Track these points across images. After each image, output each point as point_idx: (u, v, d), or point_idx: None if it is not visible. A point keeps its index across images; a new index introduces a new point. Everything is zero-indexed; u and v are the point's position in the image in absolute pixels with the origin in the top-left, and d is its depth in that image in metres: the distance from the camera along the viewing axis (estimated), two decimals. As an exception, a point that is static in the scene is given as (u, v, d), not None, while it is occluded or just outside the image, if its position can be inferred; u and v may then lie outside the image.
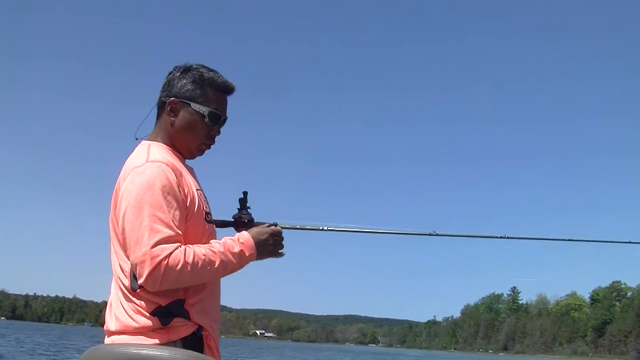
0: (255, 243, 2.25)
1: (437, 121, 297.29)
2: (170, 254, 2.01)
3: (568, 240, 3.01)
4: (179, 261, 2.01)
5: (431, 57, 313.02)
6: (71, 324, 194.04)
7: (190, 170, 2.37)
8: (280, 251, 2.36)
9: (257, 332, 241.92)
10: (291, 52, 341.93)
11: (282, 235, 2.37)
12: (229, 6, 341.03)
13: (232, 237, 2.24)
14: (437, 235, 2.66)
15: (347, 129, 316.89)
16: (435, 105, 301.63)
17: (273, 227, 2.36)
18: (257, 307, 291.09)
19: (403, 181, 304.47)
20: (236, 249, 2.19)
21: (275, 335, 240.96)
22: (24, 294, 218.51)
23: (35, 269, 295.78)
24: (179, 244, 2.06)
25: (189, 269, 2.03)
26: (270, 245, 2.31)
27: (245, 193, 2.49)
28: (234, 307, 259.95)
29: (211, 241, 2.20)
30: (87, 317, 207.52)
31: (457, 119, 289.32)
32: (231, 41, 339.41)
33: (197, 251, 2.08)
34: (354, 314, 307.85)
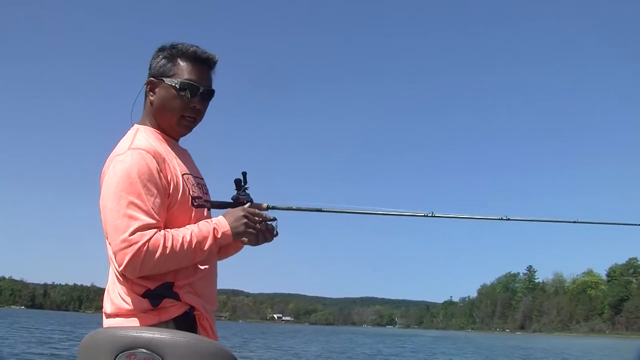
0: (229, 222, 2.23)
1: (435, 109, 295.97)
2: (149, 239, 2.02)
3: (573, 222, 2.90)
4: (158, 246, 2.03)
5: (427, 47, 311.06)
6: (90, 311, 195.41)
7: (183, 152, 2.37)
8: (250, 230, 2.29)
9: (275, 316, 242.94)
10: (291, 46, 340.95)
11: (258, 216, 2.33)
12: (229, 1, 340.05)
13: (206, 220, 2.25)
14: (434, 216, 2.58)
15: (347, 117, 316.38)
16: (432, 93, 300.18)
17: (247, 207, 2.34)
18: (274, 291, 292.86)
19: (408, 168, 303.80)
20: (210, 228, 2.18)
21: (292, 319, 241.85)
22: (42, 283, 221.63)
23: (53, 258, 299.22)
24: (157, 230, 2.07)
25: (167, 252, 2.05)
26: (242, 225, 2.26)
27: (244, 174, 2.49)
28: (251, 292, 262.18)
29: (187, 226, 2.19)
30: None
31: (453, 106, 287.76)
32: (231, 35, 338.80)
33: (175, 234, 2.09)
34: (370, 296, 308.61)
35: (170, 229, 2.14)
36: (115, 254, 2.05)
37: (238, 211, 2.29)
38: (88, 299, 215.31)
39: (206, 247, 2.16)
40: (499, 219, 2.72)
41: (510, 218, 2.74)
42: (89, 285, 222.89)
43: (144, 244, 2.01)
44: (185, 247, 2.10)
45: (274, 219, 2.42)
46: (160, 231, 2.07)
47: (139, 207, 2.06)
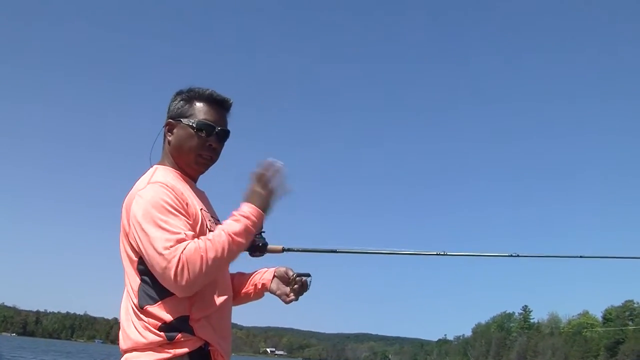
0: (250, 200, 2.25)
1: (437, 140, 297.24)
2: (184, 250, 2.06)
3: (579, 257, 3.11)
4: (194, 254, 2.06)
5: (428, 76, 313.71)
6: (82, 340, 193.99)
7: (201, 194, 2.45)
8: (273, 186, 2.29)
9: (268, 350, 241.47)
10: (291, 71, 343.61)
11: (270, 171, 2.30)
12: (221, 22, 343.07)
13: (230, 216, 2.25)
14: (446, 255, 2.69)
15: (349, 149, 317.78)
16: (436, 124, 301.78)
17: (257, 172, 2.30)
18: (267, 325, 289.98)
19: (408, 202, 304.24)
20: (241, 213, 2.21)
21: (285, 354, 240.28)
22: (34, 310, 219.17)
23: (46, 285, 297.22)
24: (189, 241, 2.11)
25: (207, 255, 2.08)
26: (264, 191, 2.27)
27: None
28: (244, 325, 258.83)
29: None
30: (97, 334, 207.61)
31: (455, 137, 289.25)
32: (230, 58, 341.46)
33: (207, 237, 2.14)
34: (364, 332, 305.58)
35: None
36: (161, 277, 2.10)
37: (258, 189, 2.27)
38: (80, 327, 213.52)
39: (244, 237, 2.19)
40: (509, 256, 2.83)
41: (520, 255, 2.84)
42: (81, 313, 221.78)
43: (180, 256, 2.05)
44: (221, 244, 2.13)
45: (308, 275, 2.54)
46: (191, 241, 2.11)
47: (167, 230, 2.11)
